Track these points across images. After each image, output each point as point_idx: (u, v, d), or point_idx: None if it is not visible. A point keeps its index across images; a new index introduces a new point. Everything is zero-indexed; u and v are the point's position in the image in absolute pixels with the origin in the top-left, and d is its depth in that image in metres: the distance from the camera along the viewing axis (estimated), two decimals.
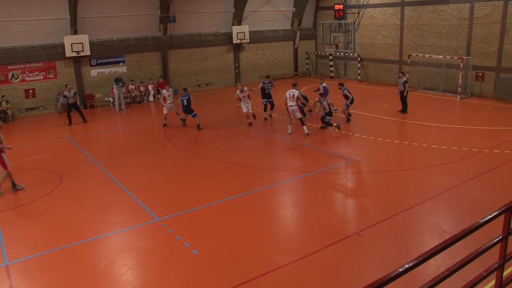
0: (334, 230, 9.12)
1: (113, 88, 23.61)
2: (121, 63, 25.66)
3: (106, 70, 25.23)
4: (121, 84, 23.50)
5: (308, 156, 14.36)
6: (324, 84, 19.17)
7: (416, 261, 3.20)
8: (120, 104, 23.61)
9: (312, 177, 12.45)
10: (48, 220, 10.39)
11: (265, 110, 19.26)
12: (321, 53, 32.40)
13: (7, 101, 22.07)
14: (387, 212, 9.75)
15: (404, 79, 18.98)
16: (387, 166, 13.00)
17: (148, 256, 8.47)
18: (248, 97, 18.34)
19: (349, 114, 18.57)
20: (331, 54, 31.32)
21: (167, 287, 7.41)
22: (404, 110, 19.33)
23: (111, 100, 24.55)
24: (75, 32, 23.59)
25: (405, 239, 8.63)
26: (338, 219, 9.94)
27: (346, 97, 18.08)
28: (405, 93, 18.94)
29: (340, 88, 18.27)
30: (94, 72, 24.85)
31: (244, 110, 18.29)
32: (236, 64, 30.26)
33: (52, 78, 23.66)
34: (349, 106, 18.16)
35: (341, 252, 8.25)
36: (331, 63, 31.86)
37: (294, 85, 17.12)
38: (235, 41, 29.09)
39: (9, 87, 22.55)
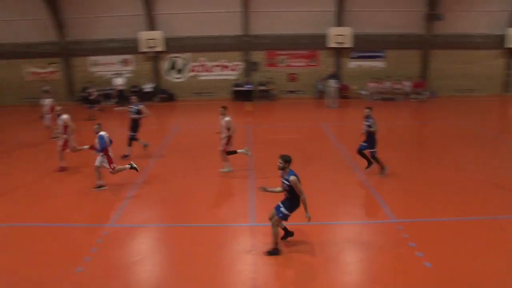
0: None
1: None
2: (379, 58, 25.14)
3: (365, 63, 25.15)
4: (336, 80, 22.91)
5: None
6: None
7: None
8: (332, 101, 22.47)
9: None
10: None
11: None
12: None
13: (272, 83, 23.85)
14: None
15: None
16: None
17: (376, 254, 8.06)
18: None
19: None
20: None
21: None
22: None
23: (366, 93, 24.20)
24: (339, 24, 24.11)
25: None
26: None
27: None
28: None
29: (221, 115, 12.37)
30: (352, 64, 25.09)
31: None
32: (509, 72, 26.42)
33: (313, 65, 24.83)
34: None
35: None
36: None
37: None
38: (511, 45, 25.43)
39: (276, 70, 24.59)
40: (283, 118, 20.77)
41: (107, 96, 24.28)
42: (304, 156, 13.66)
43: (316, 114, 20.31)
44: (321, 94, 24.17)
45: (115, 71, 24.99)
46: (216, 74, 24.87)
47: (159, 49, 24.19)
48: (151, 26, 24.31)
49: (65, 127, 13.24)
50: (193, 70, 25.04)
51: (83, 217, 10.01)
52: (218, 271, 7.68)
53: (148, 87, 24.77)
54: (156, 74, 25.25)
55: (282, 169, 7.63)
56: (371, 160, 12.13)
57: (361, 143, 12.12)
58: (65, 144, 13.25)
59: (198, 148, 14.80)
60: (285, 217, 7.85)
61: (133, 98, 14.56)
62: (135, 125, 14.21)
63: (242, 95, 23.93)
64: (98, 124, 11.70)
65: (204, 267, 7.73)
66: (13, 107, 24.60)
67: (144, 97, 24.52)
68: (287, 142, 15.76)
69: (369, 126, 11.85)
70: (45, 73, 25.56)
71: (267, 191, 8.06)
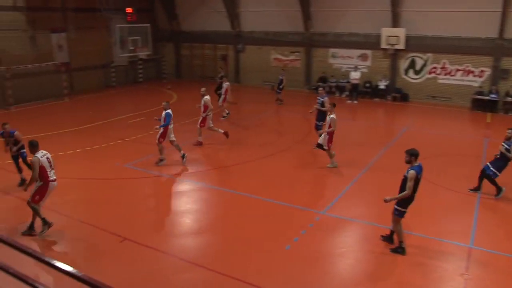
0: None
1: None
2: None
3: None
4: None
5: None
6: None
7: None
8: None
9: None
10: None
11: None
12: None
13: None
14: None
15: None
16: None
17: None
18: None
19: None
20: None
21: None
22: None
23: None
24: None
25: None
26: None
27: None
28: None
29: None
30: None
31: None
32: None
33: None
34: None
35: None
36: None
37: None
38: None
39: None
40: None
41: (340, 89, 25.29)
42: None
43: None
44: None
45: (352, 65, 25.32)
46: (457, 79, 22.87)
47: (399, 46, 23.53)
48: (394, 22, 23.89)
49: (205, 106, 14.74)
50: (432, 72, 23.70)
51: (302, 200, 10.85)
52: (421, 286, 7.36)
53: (382, 84, 24.61)
54: (392, 72, 24.69)
55: (408, 162, 7.88)
56: (492, 183, 10.80)
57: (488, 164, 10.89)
58: (203, 122, 14.86)
59: (430, 157, 13.37)
60: (400, 214, 7.85)
61: (321, 90, 15.40)
62: (320, 115, 14.91)
63: (483, 105, 21.81)
64: (167, 101, 12.96)
65: (407, 278, 7.52)
66: (254, 88, 27.59)
67: (377, 93, 24.66)
68: None
69: (508, 150, 10.43)
70: (287, 60, 27.56)
71: (392, 199, 7.96)
